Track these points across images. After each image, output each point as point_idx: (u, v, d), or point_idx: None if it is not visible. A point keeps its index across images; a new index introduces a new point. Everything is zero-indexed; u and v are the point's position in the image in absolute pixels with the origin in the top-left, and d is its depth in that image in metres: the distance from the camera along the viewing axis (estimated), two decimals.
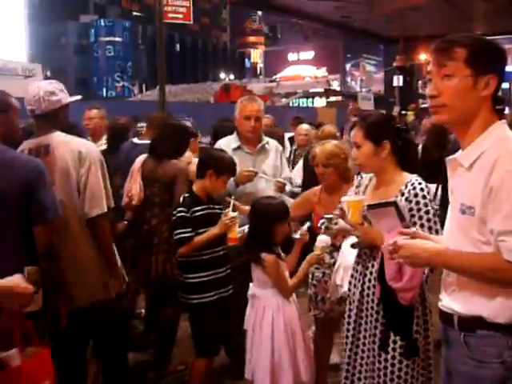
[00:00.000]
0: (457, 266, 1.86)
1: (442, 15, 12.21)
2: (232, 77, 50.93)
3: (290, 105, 25.15)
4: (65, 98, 2.92)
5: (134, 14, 53.05)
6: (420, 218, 2.46)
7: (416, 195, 2.46)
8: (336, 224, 2.83)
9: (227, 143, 3.87)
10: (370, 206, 2.45)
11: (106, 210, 2.87)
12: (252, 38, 63.02)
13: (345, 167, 3.43)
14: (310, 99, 29.80)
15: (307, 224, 3.22)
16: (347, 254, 3.05)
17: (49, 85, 2.89)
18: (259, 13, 56.28)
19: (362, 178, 2.79)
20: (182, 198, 3.33)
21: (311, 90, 29.57)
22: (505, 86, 34.82)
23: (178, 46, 53.98)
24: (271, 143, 4.16)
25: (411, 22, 12.71)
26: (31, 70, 8.85)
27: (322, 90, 29.86)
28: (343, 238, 3.12)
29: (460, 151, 1.90)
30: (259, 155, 4.04)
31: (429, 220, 2.45)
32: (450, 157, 1.92)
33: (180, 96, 24.76)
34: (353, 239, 2.77)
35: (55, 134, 2.86)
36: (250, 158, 3.98)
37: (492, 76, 1.81)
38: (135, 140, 4.73)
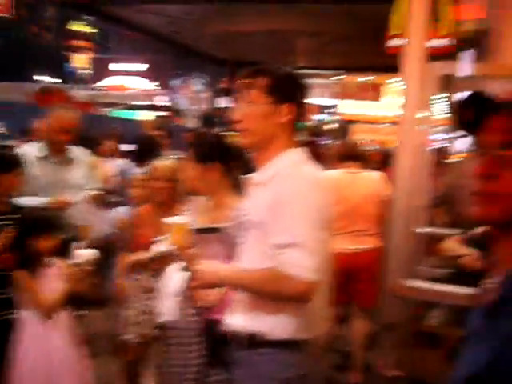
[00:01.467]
0: (244, 281, 1.93)
1: (268, 45, 12.73)
2: (54, 80, 48.24)
3: (115, 115, 24.45)
4: None
5: None
6: None
7: None
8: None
9: (31, 150, 3.59)
10: (196, 230, 2.42)
11: None
12: (79, 42, 60.47)
13: (178, 186, 3.34)
14: (137, 111, 29.28)
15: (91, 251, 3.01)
16: (168, 280, 2.94)
17: None
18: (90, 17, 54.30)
19: (196, 198, 2.73)
20: None
21: (137, 103, 29.10)
22: (321, 117, 37.28)
23: None
24: (79, 153, 3.97)
25: (239, 47, 13.07)
26: None
27: (148, 103, 29.54)
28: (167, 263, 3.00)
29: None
30: (67, 165, 3.82)
31: None
32: (247, 175, 2.05)
33: None
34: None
35: None
36: (56, 168, 3.75)
37: (290, 104, 1.96)
38: None
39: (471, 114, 1.07)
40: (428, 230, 3.82)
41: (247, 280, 1.92)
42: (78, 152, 4.04)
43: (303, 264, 1.78)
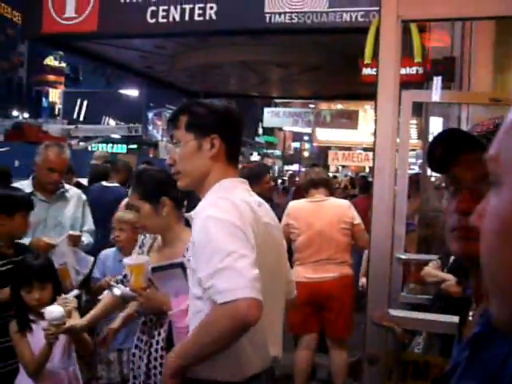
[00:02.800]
0: (198, 345, 1.74)
1: (241, 76, 12.86)
2: (26, 115, 47.98)
3: (89, 149, 24.34)
4: None
5: None
6: None
7: None
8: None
9: (22, 187, 3.48)
10: (155, 269, 2.30)
11: None
12: (51, 77, 60.40)
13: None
14: (111, 145, 29.21)
15: (74, 292, 2.79)
16: None
17: None
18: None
19: (144, 237, 2.60)
20: None
21: (112, 136, 29.06)
22: (296, 145, 37.53)
23: None
24: (72, 192, 3.88)
25: (211, 80, 13.17)
26: None
27: (122, 136, 29.49)
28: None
29: None
30: (56, 203, 3.74)
31: None
32: (188, 214, 1.92)
33: None
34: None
35: None
36: (44, 206, 3.67)
37: (214, 136, 1.88)
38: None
39: (441, 151, 1.07)
40: (409, 255, 3.80)
41: (194, 342, 1.75)
42: (72, 191, 3.92)
43: (233, 286, 1.61)
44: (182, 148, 1.90)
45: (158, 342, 2.38)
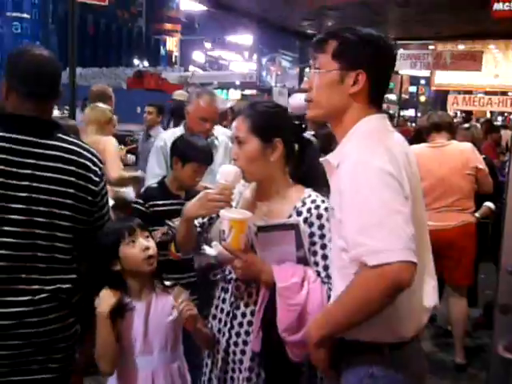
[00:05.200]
0: (343, 313, 1.57)
1: (359, 17, 12.43)
2: (146, 63, 49.75)
3: None
4: None
5: None
6: (323, 246, 1.91)
7: (320, 217, 1.91)
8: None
9: (171, 136, 3.41)
10: (263, 228, 1.89)
11: None
12: (168, 26, 61.80)
13: None
14: (226, 91, 29.67)
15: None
16: None
17: None
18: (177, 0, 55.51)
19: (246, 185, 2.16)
20: (144, 188, 3.13)
21: (226, 82, 29.47)
22: (412, 89, 36.10)
23: (91, 28, 52.05)
24: (221, 139, 3.85)
25: (329, 22, 12.86)
26: None
27: (237, 82, 29.81)
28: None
29: None
30: None
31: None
32: (324, 158, 1.78)
33: (90, 80, 23.88)
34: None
35: None
36: None
37: (360, 71, 1.67)
38: None
39: None
40: None
41: (339, 310, 1.58)
42: (220, 138, 3.84)
43: (389, 246, 1.43)
44: (321, 75, 1.70)
45: (244, 315, 2.00)
